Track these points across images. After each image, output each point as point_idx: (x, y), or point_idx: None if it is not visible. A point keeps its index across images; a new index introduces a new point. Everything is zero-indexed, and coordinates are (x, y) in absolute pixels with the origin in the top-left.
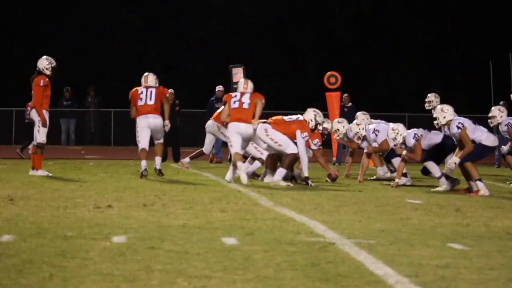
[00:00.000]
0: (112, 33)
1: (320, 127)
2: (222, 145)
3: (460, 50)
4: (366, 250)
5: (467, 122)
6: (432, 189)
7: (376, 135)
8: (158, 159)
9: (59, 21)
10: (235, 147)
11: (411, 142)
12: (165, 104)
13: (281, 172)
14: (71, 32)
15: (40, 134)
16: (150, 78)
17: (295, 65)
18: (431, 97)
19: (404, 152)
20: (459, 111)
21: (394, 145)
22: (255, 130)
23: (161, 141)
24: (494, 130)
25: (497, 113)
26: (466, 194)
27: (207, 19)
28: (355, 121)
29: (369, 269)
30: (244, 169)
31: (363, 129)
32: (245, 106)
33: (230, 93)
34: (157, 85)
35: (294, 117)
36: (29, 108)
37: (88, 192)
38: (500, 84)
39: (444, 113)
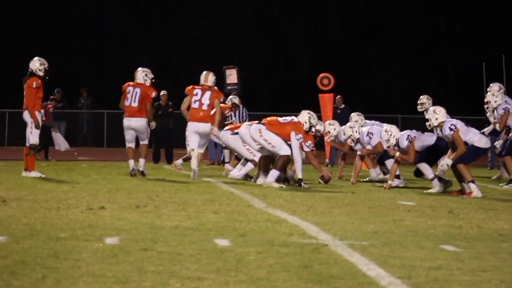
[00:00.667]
0: (105, 33)
1: (313, 129)
2: (215, 147)
3: (454, 52)
4: (359, 252)
5: (459, 124)
6: (424, 191)
7: (370, 138)
8: (141, 161)
9: (52, 22)
10: (192, 144)
11: (404, 143)
12: (148, 106)
13: (274, 173)
14: (64, 33)
15: (33, 136)
16: (138, 75)
17: (289, 66)
18: (424, 99)
19: (397, 154)
20: (451, 113)
21: (387, 147)
22: (212, 132)
23: (146, 142)
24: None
25: (491, 98)
26: (458, 196)
27: (200, 19)
28: (348, 124)
29: (361, 271)
30: (196, 165)
31: (356, 131)
32: (204, 107)
33: (193, 87)
34: (146, 82)
35: (288, 118)
36: (42, 110)
37: (80, 193)
38: None
39: (436, 114)
